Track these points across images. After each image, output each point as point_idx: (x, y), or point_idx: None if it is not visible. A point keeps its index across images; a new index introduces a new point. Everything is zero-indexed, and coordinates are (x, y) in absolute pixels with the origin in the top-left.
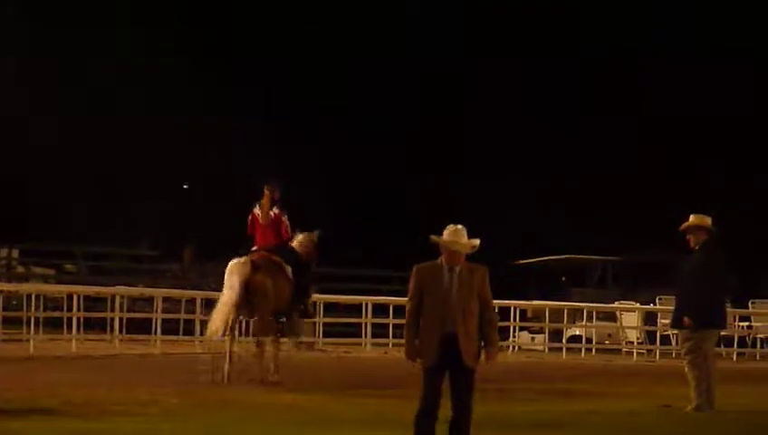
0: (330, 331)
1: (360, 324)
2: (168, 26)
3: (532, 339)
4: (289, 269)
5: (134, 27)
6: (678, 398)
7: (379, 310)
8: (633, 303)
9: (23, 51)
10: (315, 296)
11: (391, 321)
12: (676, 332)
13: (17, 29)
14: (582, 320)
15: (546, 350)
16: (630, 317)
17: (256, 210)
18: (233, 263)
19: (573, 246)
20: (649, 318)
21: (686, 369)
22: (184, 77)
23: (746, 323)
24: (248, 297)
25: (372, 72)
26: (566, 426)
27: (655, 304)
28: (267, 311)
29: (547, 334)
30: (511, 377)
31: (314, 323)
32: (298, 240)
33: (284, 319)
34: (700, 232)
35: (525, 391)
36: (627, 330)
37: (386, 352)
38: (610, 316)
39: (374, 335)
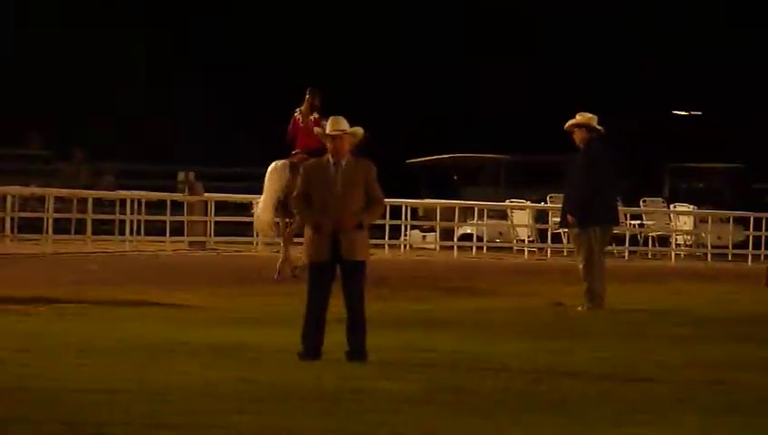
0: (221, 230)
1: (251, 223)
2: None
3: (424, 238)
4: None
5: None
6: (570, 296)
7: None
8: (524, 201)
9: None
10: (206, 195)
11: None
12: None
13: None
14: (474, 218)
15: (437, 248)
16: (521, 216)
17: (297, 115)
18: (272, 165)
19: (465, 144)
20: (540, 216)
21: (580, 268)
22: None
23: (638, 222)
24: (286, 199)
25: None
26: (458, 323)
27: (546, 203)
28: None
29: (438, 233)
30: (402, 275)
31: (206, 223)
32: None
33: None
34: (584, 130)
35: (417, 289)
36: (518, 228)
37: (278, 251)
38: (502, 215)
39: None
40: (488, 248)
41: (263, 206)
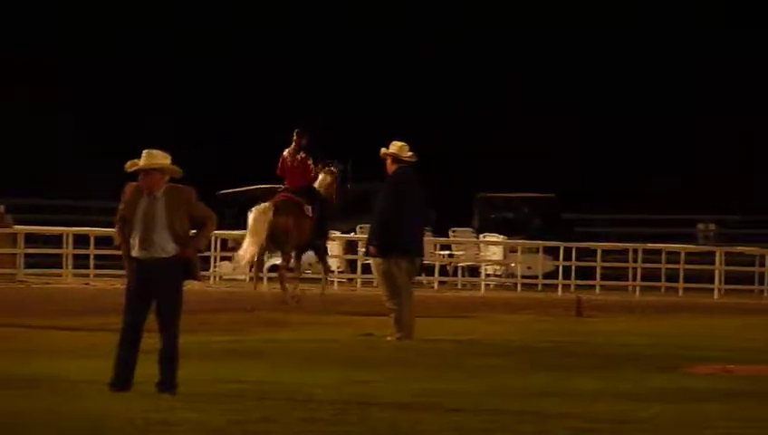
0: (31, 262)
1: (61, 256)
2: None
3: (234, 269)
4: (309, 208)
5: None
6: (379, 326)
7: (81, 241)
8: (334, 232)
9: None
10: (16, 228)
11: (93, 251)
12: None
13: None
14: None
15: (247, 279)
16: (331, 246)
17: (285, 154)
18: (257, 207)
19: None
20: (350, 247)
21: (385, 298)
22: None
23: (447, 252)
24: (272, 237)
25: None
26: (267, 354)
27: (356, 234)
28: (290, 247)
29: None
30: (212, 307)
31: (15, 255)
32: (319, 181)
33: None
34: (397, 160)
35: (227, 320)
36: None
37: (87, 284)
38: None
39: (75, 266)
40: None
41: (248, 244)
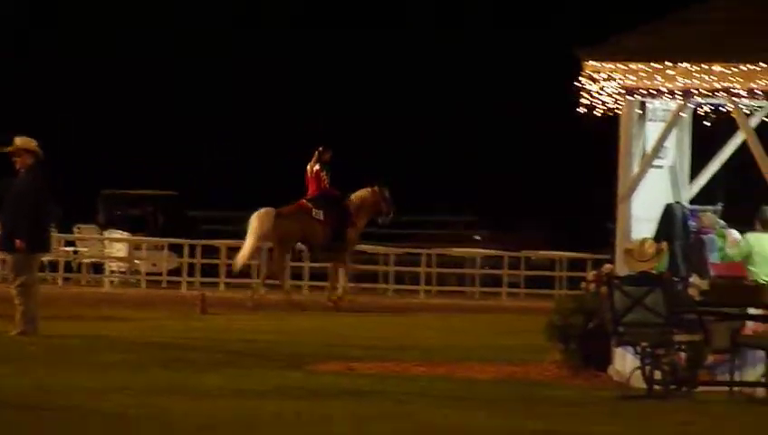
0: None
1: None
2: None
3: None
4: (320, 213)
5: None
6: (4, 323)
7: None
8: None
9: None
10: None
11: None
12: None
13: None
14: None
15: None
16: None
17: (308, 167)
18: (256, 212)
19: None
20: None
21: (15, 293)
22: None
23: (72, 248)
24: (273, 237)
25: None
26: None
27: None
28: (287, 249)
29: None
30: None
31: None
32: (357, 193)
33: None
34: (27, 155)
35: None
36: None
37: None
38: None
39: None
40: None
41: (244, 246)
